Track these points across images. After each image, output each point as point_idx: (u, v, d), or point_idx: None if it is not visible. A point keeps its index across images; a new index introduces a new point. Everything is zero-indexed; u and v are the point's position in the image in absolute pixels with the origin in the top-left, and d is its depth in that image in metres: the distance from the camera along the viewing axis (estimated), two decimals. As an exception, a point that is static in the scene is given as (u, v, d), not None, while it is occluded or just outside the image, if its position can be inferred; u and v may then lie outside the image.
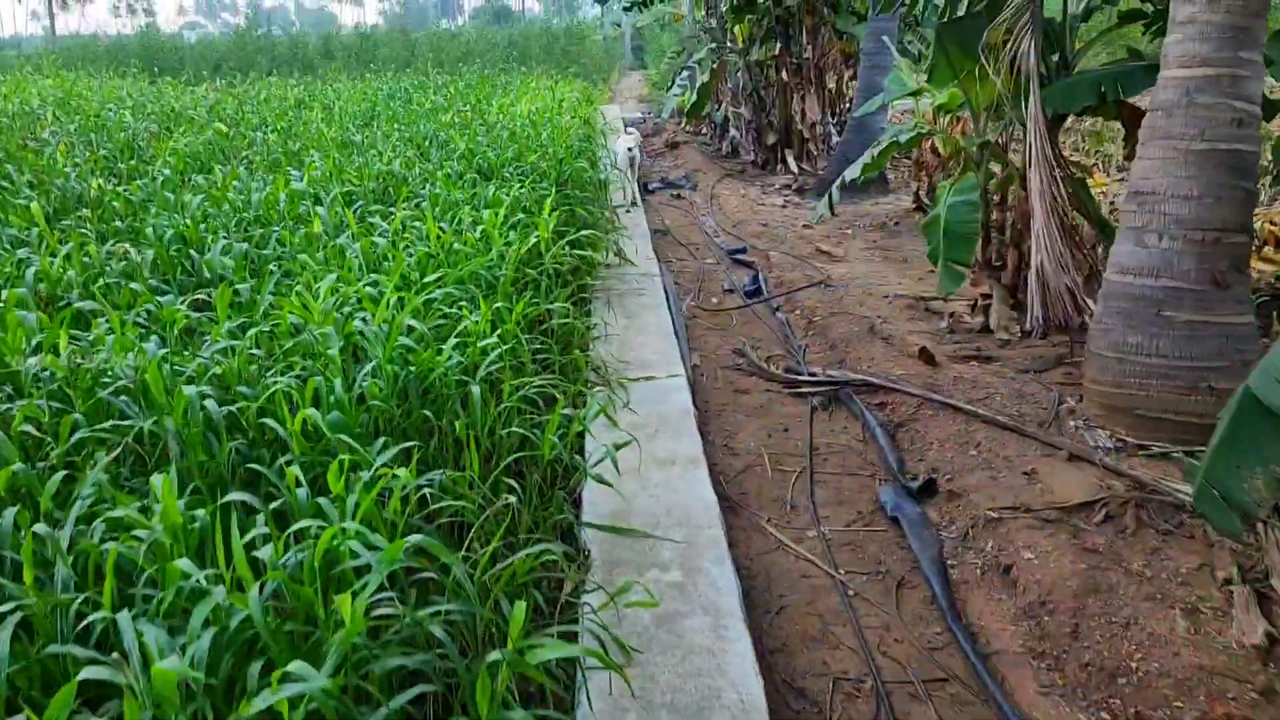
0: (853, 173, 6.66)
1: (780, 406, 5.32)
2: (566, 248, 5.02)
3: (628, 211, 8.98)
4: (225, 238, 4.46)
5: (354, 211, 5.09)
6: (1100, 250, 7.11)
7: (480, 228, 4.60)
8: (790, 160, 13.16)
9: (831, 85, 13.18)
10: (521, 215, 5.07)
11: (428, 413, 2.98)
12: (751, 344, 6.35)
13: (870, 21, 11.01)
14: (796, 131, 13.21)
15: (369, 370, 3.05)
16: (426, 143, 7.39)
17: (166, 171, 6.00)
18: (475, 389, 2.94)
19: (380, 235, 4.50)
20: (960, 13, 6.30)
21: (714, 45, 14.13)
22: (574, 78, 24.54)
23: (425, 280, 3.79)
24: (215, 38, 32.92)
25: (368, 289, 3.49)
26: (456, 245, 4.23)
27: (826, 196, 6.88)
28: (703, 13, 16.46)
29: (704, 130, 16.82)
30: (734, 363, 6.05)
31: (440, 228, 4.59)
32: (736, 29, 13.15)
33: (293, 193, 5.24)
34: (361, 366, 3.11)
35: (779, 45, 12.83)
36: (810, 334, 6.41)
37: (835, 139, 13.08)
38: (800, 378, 5.49)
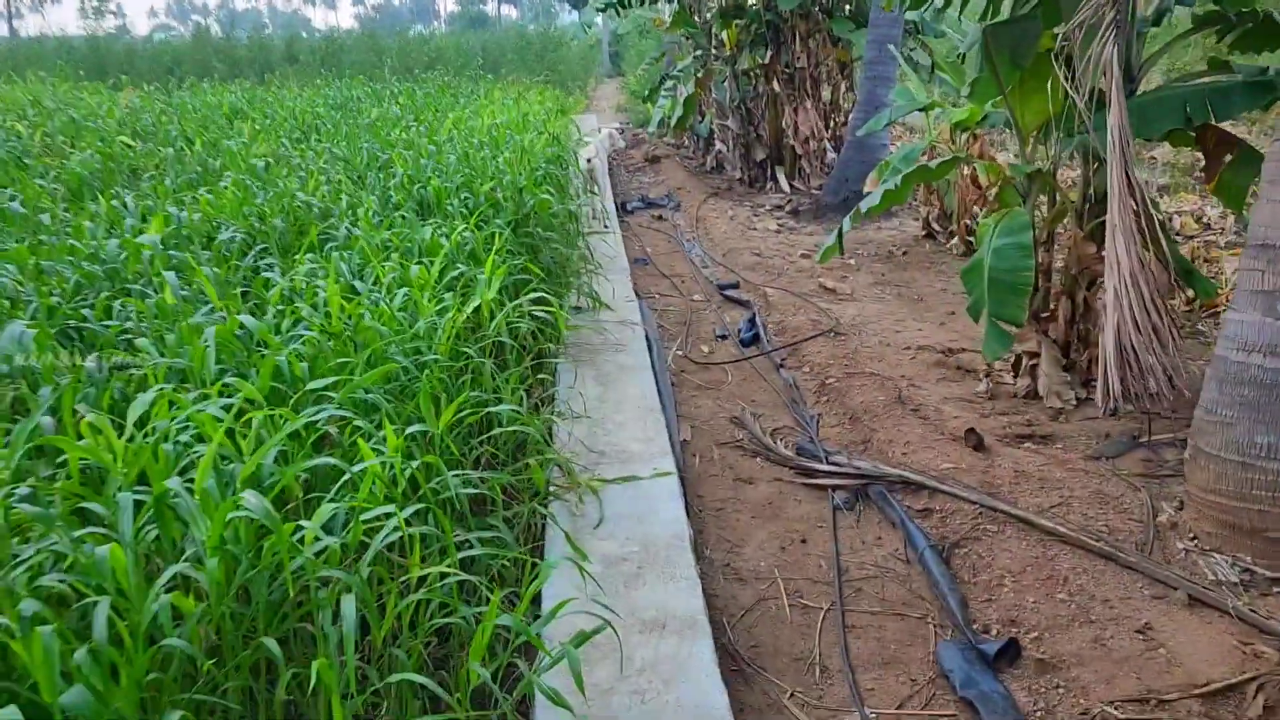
0: (870, 202, 5.58)
1: (795, 504, 4.23)
2: (523, 305, 3.90)
3: (604, 228, 7.86)
4: (56, 301, 3.28)
5: (248, 263, 3.96)
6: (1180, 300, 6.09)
7: (405, 290, 3.47)
8: (781, 178, 12.12)
9: (826, 97, 12.15)
10: (463, 268, 3.95)
11: (271, 641, 1.84)
12: (752, 409, 5.27)
13: (871, 28, 9.99)
14: (788, 147, 12.17)
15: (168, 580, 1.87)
16: (363, 165, 6.26)
17: (16, 204, 4.79)
18: (349, 608, 1.80)
19: (271, 298, 3.36)
20: (1004, 13, 5.25)
21: (698, 53, 13.08)
22: (548, 85, 23.44)
23: (311, 386, 2.68)
24: (176, 40, 31.52)
25: (211, 410, 2.34)
26: (368, 319, 3.11)
27: (836, 232, 5.81)
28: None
29: (687, 143, 15.76)
30: (732, 436, 4.96)
31: (352, 287, 3.49)
32: (724, 35, 12.09)
33: (169, 236, 4.10)
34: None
35: (769, 53, 11.79)
36: (824, 399, 5.32)
37: (831, 155, 12.06)
38: (818, 466, 4.39)
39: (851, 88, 12.04)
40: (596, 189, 8.19)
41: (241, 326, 2.89)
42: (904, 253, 8.76)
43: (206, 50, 26.14)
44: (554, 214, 5.50)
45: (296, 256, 3.98)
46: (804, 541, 3.93)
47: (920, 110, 8.53)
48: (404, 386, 3.04)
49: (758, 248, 9.08)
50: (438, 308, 3.39)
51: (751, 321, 6.77)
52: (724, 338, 6.63)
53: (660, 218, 11.08)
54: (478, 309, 3.54)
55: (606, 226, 7.94)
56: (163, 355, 2.78)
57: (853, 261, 8.63)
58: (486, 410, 3.13)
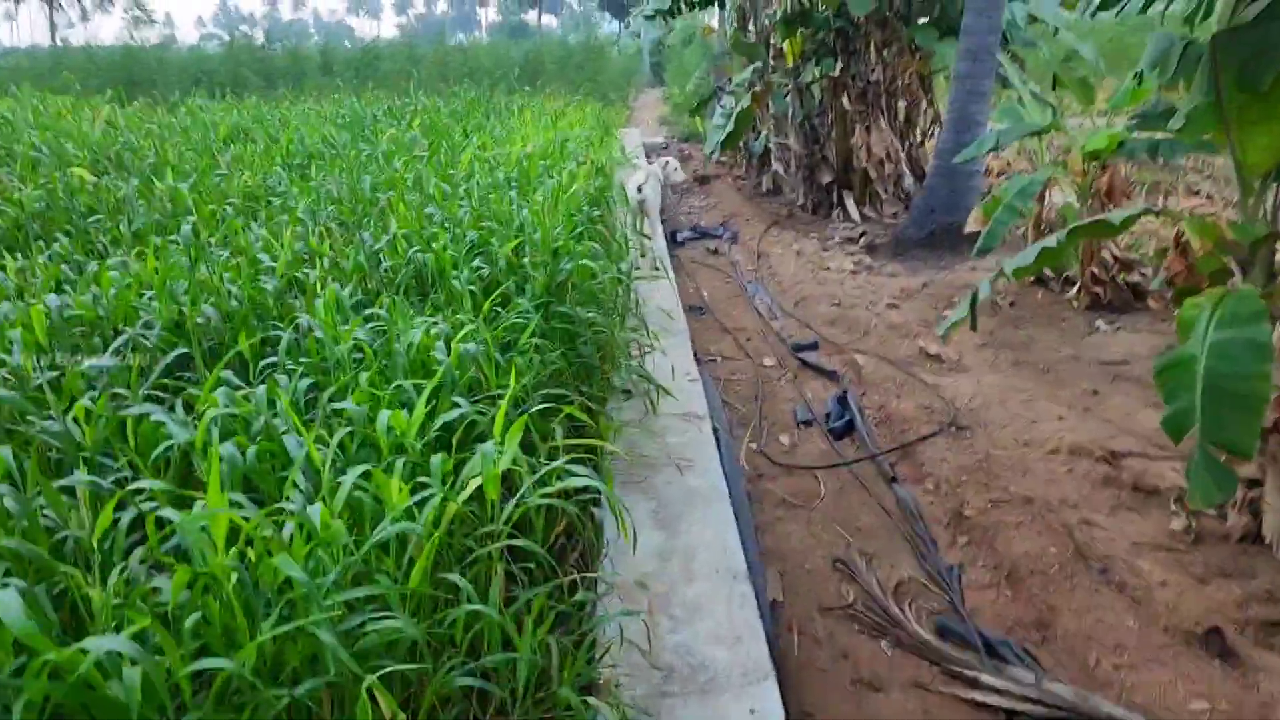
0: (1020, 262, 4.19)
1: (949, 733, 2.87)
2: (557, 468, 2.56)
3: (654, 270, 6.48)
4: None
5: (141, 392, 2.70)
6: None
7: (365, 475, 2.14)
8: (850, 205, 10.73)
9: (901, 113, 10.74)
10: (463, 406, 2.62)
11: None
12: (859, 545, 3.92)
13: (964, 36, 8.58)
14: (858, 169, 10.78)
15: None
16: (360, 212, 4.99)
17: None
18: None
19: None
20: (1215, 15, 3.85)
21: (757, 65, 11.72)
22: (589, 97, 22.21)
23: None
24: (212, 50, 30.71)
25: None
26: (284, 560, 1.81)
27: (968, 300, 4.44)
28: (736, 27, 14.10)
29: (739, 161, 14.41)
30: (838, 593, 3.61)
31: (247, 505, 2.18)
32: (786, 45, 10.74)
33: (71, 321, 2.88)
34: None
35: (838, 65, 10.41)
36: (962, 538, 3.94)
37: (908, 180, 10.65)
38: (982, 677, 3.01)
39: (932, 103, 10.62)
40: (648, 229, 6.84)
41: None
42: (1011, 303, 7.33)
43: (239, 60, 25.21)
44: (597, 282, 4.18)
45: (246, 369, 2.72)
46: (979, 819, 2.57)
47: (1035, 134, 7.13)
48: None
49: (834, 294, 7.69)
50: (415, 499, 2.09)
51: (842, 402, 5.41)
52: (808, 424, 5.27)
53: (715, 251, 9.74)
54: (481, 488, 2.24)
55: (657, 269, 6.59)
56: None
57: (948, 313, 7.21)
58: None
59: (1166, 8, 4.13)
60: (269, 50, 28.70)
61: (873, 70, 10.16)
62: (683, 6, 12.96)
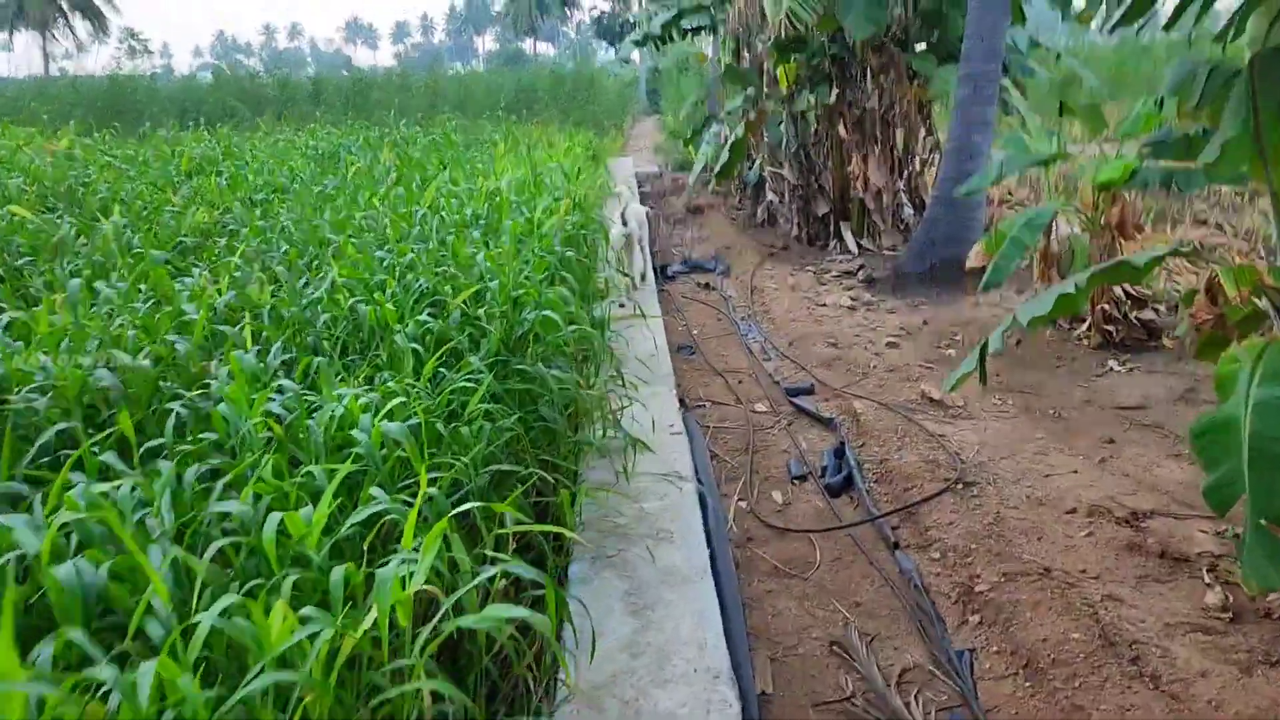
0: (1036, 310, 3.83)
1: None
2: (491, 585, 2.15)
3: (632, 306, 6.11)
4: None
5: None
6: None
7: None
8: (848, 236, 10.38)
9: (899, 142, 10.41)
10: (383, 501, 2.18)
11: None
12: (859, 622, 3.51)
13: (964, 62, 8.26)
14: (855, 200, 10.44)
15: None
16: (310, 256, 4.59)
17: None
18: None
19: None
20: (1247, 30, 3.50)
21: (749, 92, 11.42)
22: (581, 125, 21.95)
23: None
24: (196, 79, 30.47)
25: None
26: None
27: (976, 352, 4.07)
28: (731, 54, 13.83)
29: (733, 192, 14.08)
30: (836, 685, 3.20)
31: None
32: (780, 71, 10.43)
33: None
34: None
35: (834, 92, 10.10)
36: (973, 617, 3.52)
37: (907, 211, 10.31)
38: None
39: (931, 131, 10.30)
40: (634, 263, 6.48)
41: None
42: (1017, 342, 6.94)
43: (226, 90, 24.98)
44: (568, 331, 3.76)
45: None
46: None
47: (1041, 164, 6.78)
48: None
49: (831, 332, 7.31)
50: (304, 633, 1.67)
51: (839, 454, 5.01)
52: (802, 479, 4.87)
53: (707, 285, 9.38)
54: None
55: (642, 312, 6.20)
56: None
57: (952, 353, 6.85)
58: None
59: (1196, 23, 3.75)
60: (258, 80, 28.49)
61: (869, 97, 9.85)
62: (674, 34, 12.68)
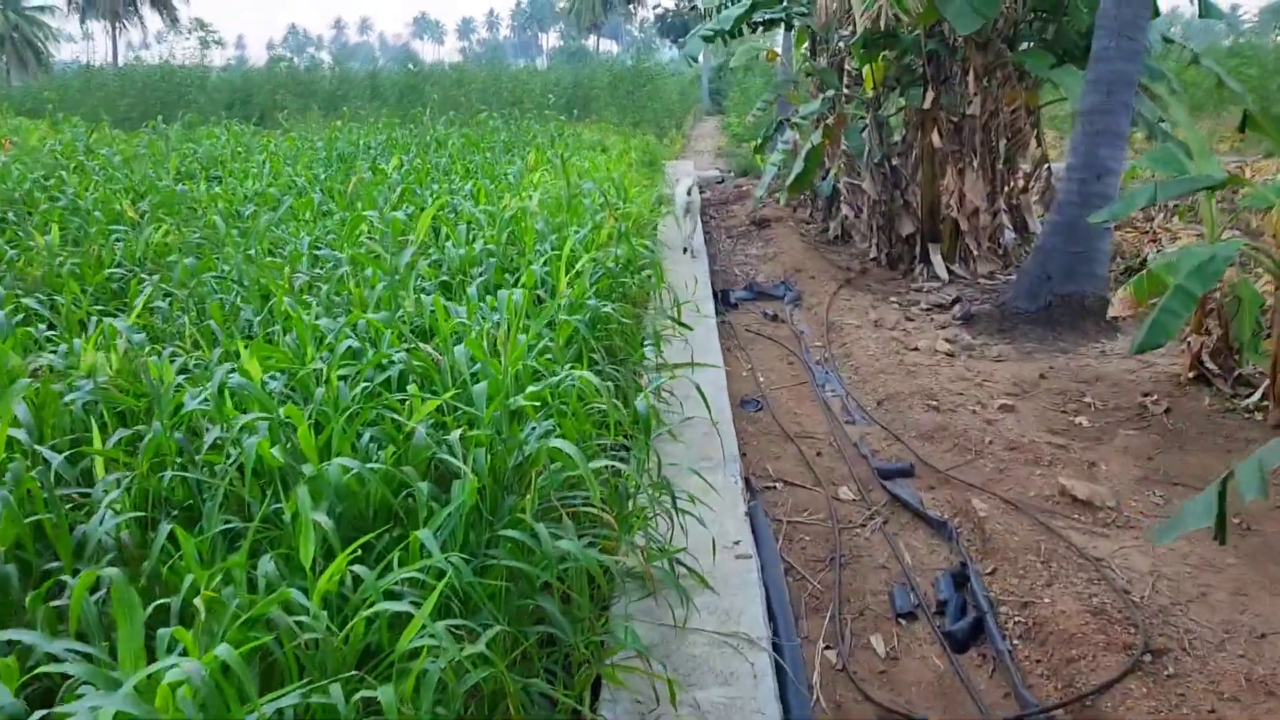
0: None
1: None
2: None
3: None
4: None
5: None
6: None
7: None
8: (937, 260, 9.03)
9: (1000, 154, 9.04)
10: None
11: None
12: None
13: (1094, 63, 6.89)
14: (947, 219, 9.09)
15: None
16: (253, 321, 3.43)
17: None
18: None
19: None
20: None
21: (829, 94, 10.10)
22: (640, 125, 20.76)
23: None
24: (252, 71, 29.80)
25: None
26: None
27: (1213, 506, 2.80)
28: (805, 52, 12.53)
29: (803, 203, 12.77)
30: None
31: None
32: (865, 71, 9.12)
33: None
34: None
35: (927, 95, 8.75)
36: None
37: (1008, 233, 8.94)
38: None
39: (1040, 142, 8.90)
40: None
41: None
42: (1166, 409, 5.58)
43: (279, 83, 24.26)
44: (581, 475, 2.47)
45: None
46: None
47: (1208, 189, 5.41)
48: None
49: (928, 388, 6.00)
50: None
51: (961, 581, 3.74)
52: (909, 616, 3.61)
53: (775, 316, 8.12)
54: None
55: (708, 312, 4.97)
56: None
57: (1082, 420, 5.51)
58: None
59: None
60: (314, 73, 27.81)
61: (970, 102, 8.49)
62: (744, 29, 11.40)
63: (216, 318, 3.18)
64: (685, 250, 9.03)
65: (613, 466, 2.55)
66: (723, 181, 17.43)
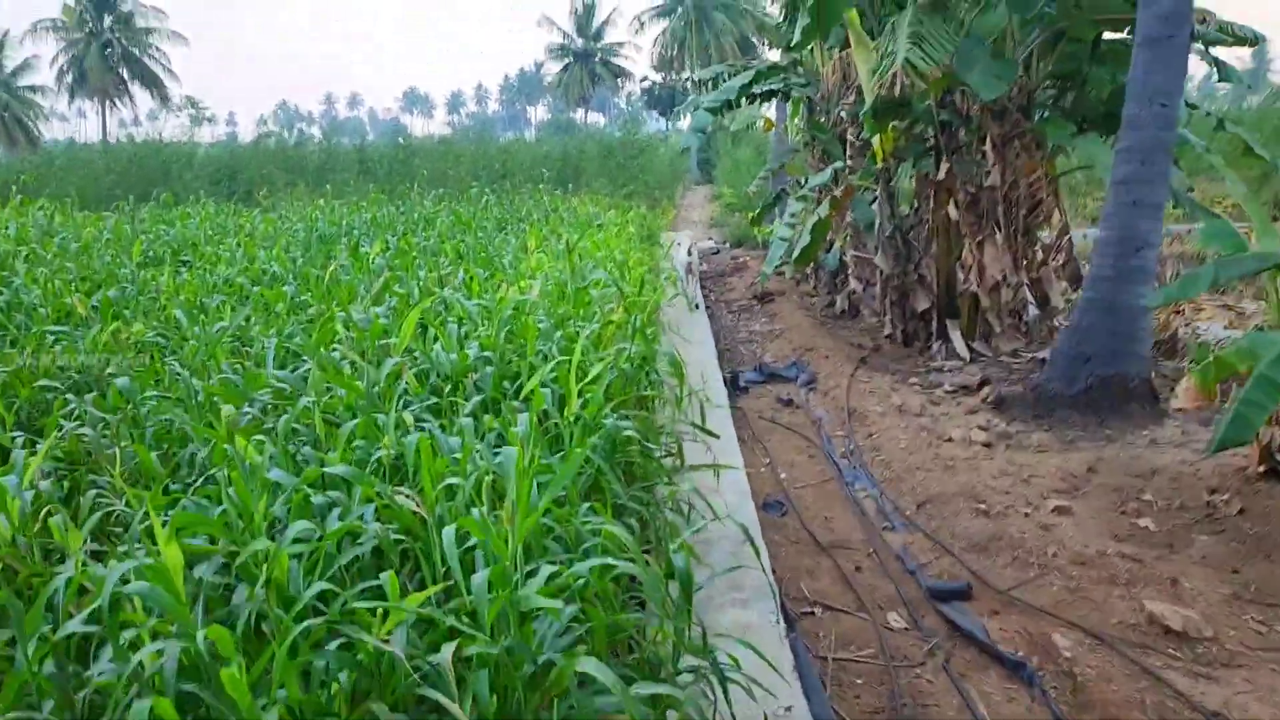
0: None
1: None
2: None
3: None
4: None
5: None
6: None
7: None
8: (956, 338, 8.53)
9: (1020, 225, 8.60)
10: None
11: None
12: None
13: (1127, 130, 6.47)
14: (965, 294, 8.62)
15: None
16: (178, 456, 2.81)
17: None
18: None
19: None
20: None
21: (838, 165, 9.71)
22: (631, 196, 20.42)
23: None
24: (237, 147, 29.50)
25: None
26: None
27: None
28: (800, 123, 12.21)
29: (806, 276, 12.33)
30: None
31: None
32: (875, 141, 8.72)
33: None
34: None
35: (941, 166, 8.35)
36: None
37: (1032, 309, 8.47)
38: None
39: (1062, 212, 8.48)
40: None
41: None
42: (1239, 510, 5.00)
43: (266, 157, 23.93)
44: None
45: None
46: None
47: (1276, 267, 4.92)
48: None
49: (971, 486, 5.42)
50: None
51: (1054, 746, 3.11)
52: (1000, 793, 2.97)
53: (789, 401, 7.57)
54: None
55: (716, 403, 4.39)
56: None
57: (1150, 525, 4.92)
58: None
59: None
60: (301, 147, 27.56)
61: (988, 172, 8.07)
62: (742, 100, 11.07)
63: (146, 462, 2.57)
64: (693, 305, 9.96)
65: (658, 694, 1.91)
66: (718, 252, 17.04)
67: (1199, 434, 6.23)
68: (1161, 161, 6.40)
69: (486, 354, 3.49)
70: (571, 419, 2.92)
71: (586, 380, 3.07)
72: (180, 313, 4.55)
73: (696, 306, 10.07)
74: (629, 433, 2.97)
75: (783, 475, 5.92)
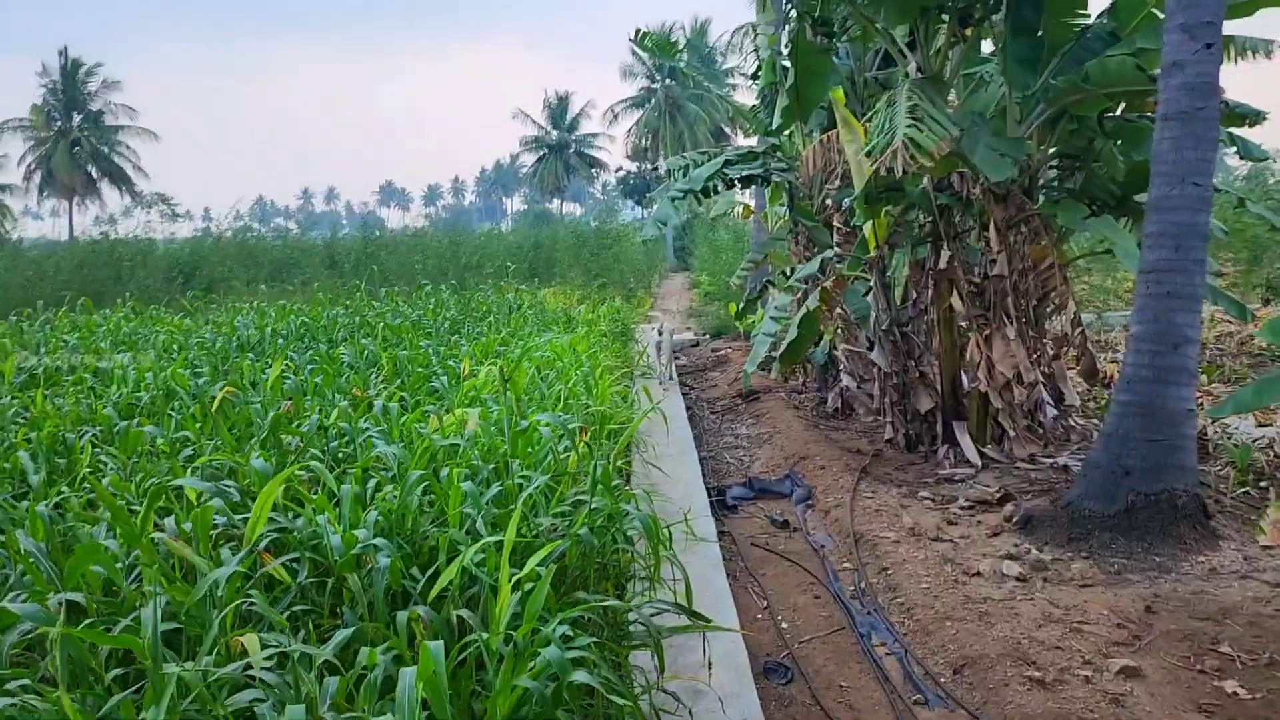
0: None
1: None
2: None
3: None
4: None
5: None
6: None
7: None
8: (965, 442, 7.66)
9: (1030, 317, 7.83)
10: None
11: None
12: None
13: (1155, 213, 5.74)
14: (973, 393, 7.79)
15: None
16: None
17: None
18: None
19: None
20: None
21: (827, 255, 8.96)
22: (605, 286, 19.76)
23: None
24: (201, 242, 28.69)
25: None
26: None
27: None
28: (781, 209, 11.56)
29: (794, 371, 11.50)
30: None
31: None
32: (867, 228, 8.00)
33: None
34: None
35: (942, 254, 7.61)
36: None
37: (1049, 410, 7.63)
38: None
39: (1076, 302, 7.73)
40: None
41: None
42: (1348, 667, 4.08)
43: (227, 252, 23.13)
44: None
45: None
46: None
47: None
48: None
49: (1014, 640, 4.47)
50: None
51: None
52: None
53: (785, 523, 6.63)
54: None
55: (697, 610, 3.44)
56: None
57: (1239, 690, 3.99)
58: None
59: None
60: (264, 241, 26.85)
61: (993, 260, 7.33)
62: (718, 186, 10.41)
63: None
64: (660, 383, 10.54)
65: None
66: (697, 344, 16.23)
67: (1261, 560, 5.36)
68: (1197, 248, 5.66)
69: (375, 542, 2.51)
70: (499, 632, 2.00)
71: (524, 572, 2.16)
72: (26, 456, 3.59)
73: (662, 382, 10.45)
74: (583, 678, 2.02)
75: (783, 622, 4.95)
